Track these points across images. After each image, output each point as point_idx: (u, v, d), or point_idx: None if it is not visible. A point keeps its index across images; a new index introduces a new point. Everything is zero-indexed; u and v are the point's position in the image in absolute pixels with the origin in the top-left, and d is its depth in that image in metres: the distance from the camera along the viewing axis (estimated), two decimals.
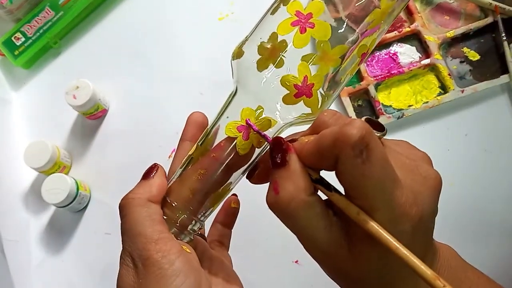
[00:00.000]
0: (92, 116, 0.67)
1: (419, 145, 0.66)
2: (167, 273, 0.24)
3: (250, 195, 0.63)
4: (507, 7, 0.64)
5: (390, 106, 0.65)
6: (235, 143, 0.27)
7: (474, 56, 0.66)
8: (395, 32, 0.66)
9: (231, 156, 0.27)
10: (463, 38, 0.66)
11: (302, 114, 0.27)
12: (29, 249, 0.64)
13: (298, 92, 0.25)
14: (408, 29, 0.66)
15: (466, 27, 0.66)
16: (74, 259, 0.64)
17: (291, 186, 0.23)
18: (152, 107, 0.68)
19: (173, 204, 0.28)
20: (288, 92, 0.25)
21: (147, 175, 0.28)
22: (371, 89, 0.64)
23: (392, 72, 0.65)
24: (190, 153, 0.29)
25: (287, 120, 0.28)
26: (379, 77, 0.65)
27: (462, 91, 0.63)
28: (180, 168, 0.29)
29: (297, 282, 0.61)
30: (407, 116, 0.63)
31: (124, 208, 0.27)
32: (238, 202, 0.38)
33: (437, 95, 0.64)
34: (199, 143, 0.29)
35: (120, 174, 0.66)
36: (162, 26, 0.71)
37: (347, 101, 0.64)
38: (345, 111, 0.64)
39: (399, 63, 0.66)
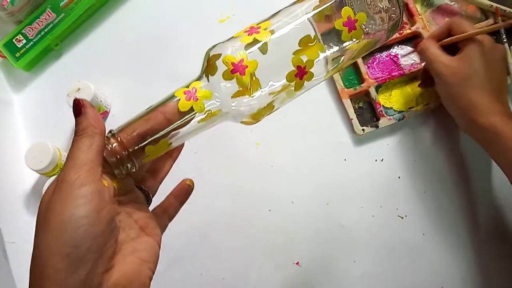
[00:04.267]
0: None
1: (420, 146, 0.66)
2: (73, 193, 0.28)
3: (250, 198, 0.64)
4: (507, 9, 0.64)
5: (391, 108, 0.65)
6: (178, 102, 0.34)
7: None
8: (396, 34, 0.66)
9: (173, 112, 0.34)
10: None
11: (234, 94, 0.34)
12: (31, 251, 0.64)
13: (234, 69, 0.33)
14: (409, 31, 0.66)
15: None
16: None
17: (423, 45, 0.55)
18: None
19: (118, 138, 0.33)
20: (227, 68, 0.33)
21: (78, 112, 0.32)
22: (372, 91, 0.64)
23: (393, 74, 0.65)
24: (148, 107, 0.36)
25: (222, 95, 0.34)
26: (380, 79, 0.65)
27: None
28: (137, 115, 0.35)
29: (298, 283, 0.61)
30: (408, 118, 0.63)
31: (74, 138, 0.32)
32: (192, 182, 0.43)
33: (438, 97, 0.64)
34: (158, 102, 0.36)
35: None
36: (163, 28, 0.71)
37: (348, 103, 0.64)
38: (345, 113, 0.64)
39: (400, 65, 0.66)
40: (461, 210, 0.62)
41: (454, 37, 0.56)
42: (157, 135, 0.34)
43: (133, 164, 0.34)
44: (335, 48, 0.36)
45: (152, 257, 0.34)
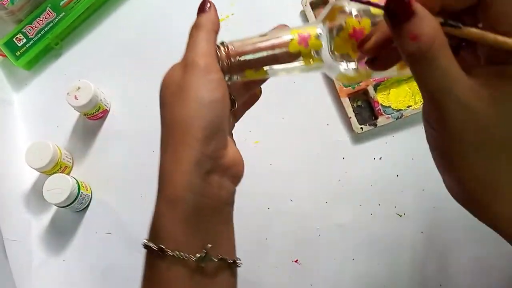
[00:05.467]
0: (93, 117, 0.67)
1: (417, 145, 0.66)
2: (205, 77, 0.32)
3: (249, 197, 0.64)
4: None
5: (389, 106, 0.65)
6: (290, 41, 0.35)
7: None
8: None
9: (281, 48, 0.35)
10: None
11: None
12: (30, 249, 0.64)
13: (352, 33, 0.34)
14: None
15: None
16: (75, 259, 0.64)
17: (429, 28, 0.25)
18: (153, 108, 0.68)
19: (227, 48, 0.36)
20: (346, 30, 0.34)
21: (203, 8, 0.37)
22: (371, 89, 0.64)
23: None
24: (261, 33, 0.37)
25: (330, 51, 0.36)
26: (378, 77, 0.65)
27: None
28: (249, 37, 0.37)
29: (297, 281, 0.61)
30: (406, 116, 0.63)
31: (193, 29, 0.35)
32: (261, 92, 0.45)
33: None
34: (273, 34, 0.36)
35: (121, 174, 0.66)
36: (163, 27, 0.72)
37: (346, 102, 0.64)
38: (344, 112, 0.64)
39: None
40: (459, 208, 0.62)
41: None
42: (260, 60, 0.36)
43: (230, 78, 0.36)
44: None
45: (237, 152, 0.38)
